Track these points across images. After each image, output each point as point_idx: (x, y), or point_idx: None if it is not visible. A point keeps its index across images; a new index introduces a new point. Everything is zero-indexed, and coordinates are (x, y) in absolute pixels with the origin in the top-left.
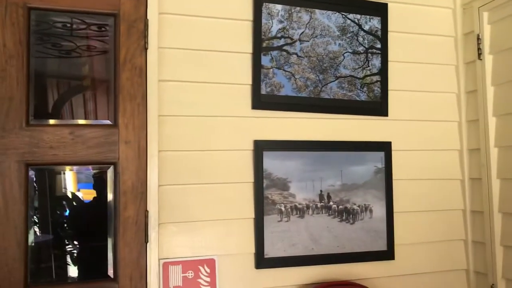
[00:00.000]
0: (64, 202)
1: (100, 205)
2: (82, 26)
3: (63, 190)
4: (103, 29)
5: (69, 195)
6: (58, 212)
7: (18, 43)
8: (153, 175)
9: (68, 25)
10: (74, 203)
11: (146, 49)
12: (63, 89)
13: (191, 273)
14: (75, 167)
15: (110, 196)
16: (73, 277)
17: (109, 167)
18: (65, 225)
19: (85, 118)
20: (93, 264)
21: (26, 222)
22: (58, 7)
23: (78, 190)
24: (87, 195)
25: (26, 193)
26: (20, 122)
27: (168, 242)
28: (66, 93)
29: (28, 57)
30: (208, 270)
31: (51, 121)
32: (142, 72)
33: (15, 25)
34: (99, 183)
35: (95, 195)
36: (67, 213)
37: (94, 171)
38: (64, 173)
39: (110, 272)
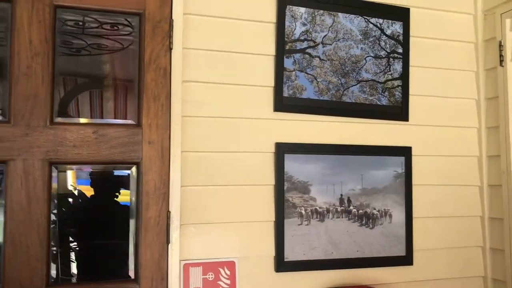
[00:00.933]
0: (83, 201)
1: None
2: (105, 25)
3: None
4: (123, 28)
5: (88, 195)
6: (73, 211)
7: (44, 40)
8: (175, 176)
9: (91, 24)
10: (96, 203)
11: (170, 49)
12: (86, 88)
13: (212, 275)
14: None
15: (132, 197)
16: (94, 277)
17: (132, 167)
18: (87, 224)
19: (109, 118)
20: (114, 265)
21: (49, 220)
22: (83, 5)
23: (75, 188)
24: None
25: (49, 191)
26: (44, 120)
27: (189, 243)
28: (89, 92)
29: (53, 55)
30: (228, 273)
31: (75, 120)
32: (166, 73)
33: (42, 22)
34: (96, 182)
35: (93, 193)
36: (86, 212)
37: (92, 170)
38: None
39: (132, 272)
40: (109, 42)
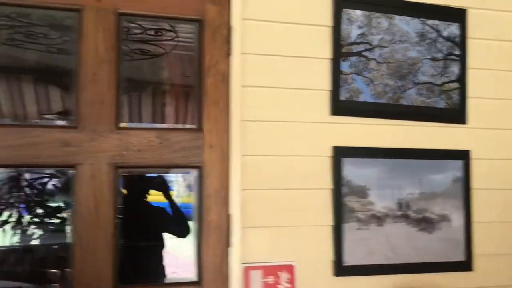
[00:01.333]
0: (142, 205)
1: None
2: (149, 31)
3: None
4: (166, 33)
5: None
6: (139, 216)
7: (109, 48)
8: (235, 179)
9: (135, 30)
10: (153, 207)
11: (229, 54)
12: (148, 94)
13: (271, 278)
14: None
15: (194, 200)
16: (159, 280)
17: (193, 171)
18: (147, 228)
19: (171, 122)
20: (178, 267)
21: (115, 224)
22: (146, 12)
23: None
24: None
25: (115, 195)
26: (110, 126)
27: (249, 246)
28: (152, 98)
29: (118, 62)
30: (288, 276)
31: (139, 125)
32: (225, 78)
33: (107, 30)
34: (129, 183)
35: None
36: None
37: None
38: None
39: (195, 275)
40: (151, 47)
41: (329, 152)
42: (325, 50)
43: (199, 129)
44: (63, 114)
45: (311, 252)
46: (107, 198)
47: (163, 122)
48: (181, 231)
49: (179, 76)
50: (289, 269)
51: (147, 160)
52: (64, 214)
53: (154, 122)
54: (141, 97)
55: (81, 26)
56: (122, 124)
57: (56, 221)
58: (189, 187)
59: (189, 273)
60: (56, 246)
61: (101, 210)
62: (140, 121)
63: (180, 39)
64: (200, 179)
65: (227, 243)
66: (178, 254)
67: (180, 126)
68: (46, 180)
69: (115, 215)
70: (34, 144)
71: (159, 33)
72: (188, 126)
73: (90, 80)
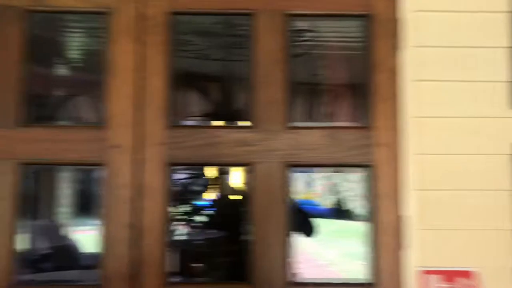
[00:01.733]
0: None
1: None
2: (305, 32)
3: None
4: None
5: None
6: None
7: (279, 49)
8: (409, 179)
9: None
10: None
11: (400, 49)
12: (316, 93)
13: (449, 284)
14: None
15: (366, 200)
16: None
17: (363, 170)
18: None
19: (336, 121)
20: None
21: (286, 221)
22: (313, 11)
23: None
24: None
25: (286, 193)
26: (281, 125)
27: (424, 249)
28: (319, 97)
29: (287, 62)
30: (467, 283)
31: (308, 124)
32: (396, 73)
33: (277, 32)
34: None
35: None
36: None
37: None
38: None
39: (369, 277)
40: (335, 46)
41: (509, 150)
42: (502, 38)
43: (369, 127)
44: (206, 116)
45: (491, 258)
46: (280, 196)
47: (329, 120)
48: (306, 230)
49: (340, 74)
50: (469, 275)
51: (317, 159)
52: (208, 212)
53: (319, 121)
54: (304, 96)
55: (253, 29)
56: (293, 124)
57: (200, 218)
58: (308, 184)
59: (311, 272)
60: (201, 241)
61: (274, 207)
62: (306, 120)
63: (321, 38)
64: (370, 178)
65: (401, 245)
66: (302, 252)
67: (348, 124)
68: (192, 179)
69: (286, 212)
70: (215, 144)
71: (300, 33)
72: (356, 124)
73: (262, 81)
